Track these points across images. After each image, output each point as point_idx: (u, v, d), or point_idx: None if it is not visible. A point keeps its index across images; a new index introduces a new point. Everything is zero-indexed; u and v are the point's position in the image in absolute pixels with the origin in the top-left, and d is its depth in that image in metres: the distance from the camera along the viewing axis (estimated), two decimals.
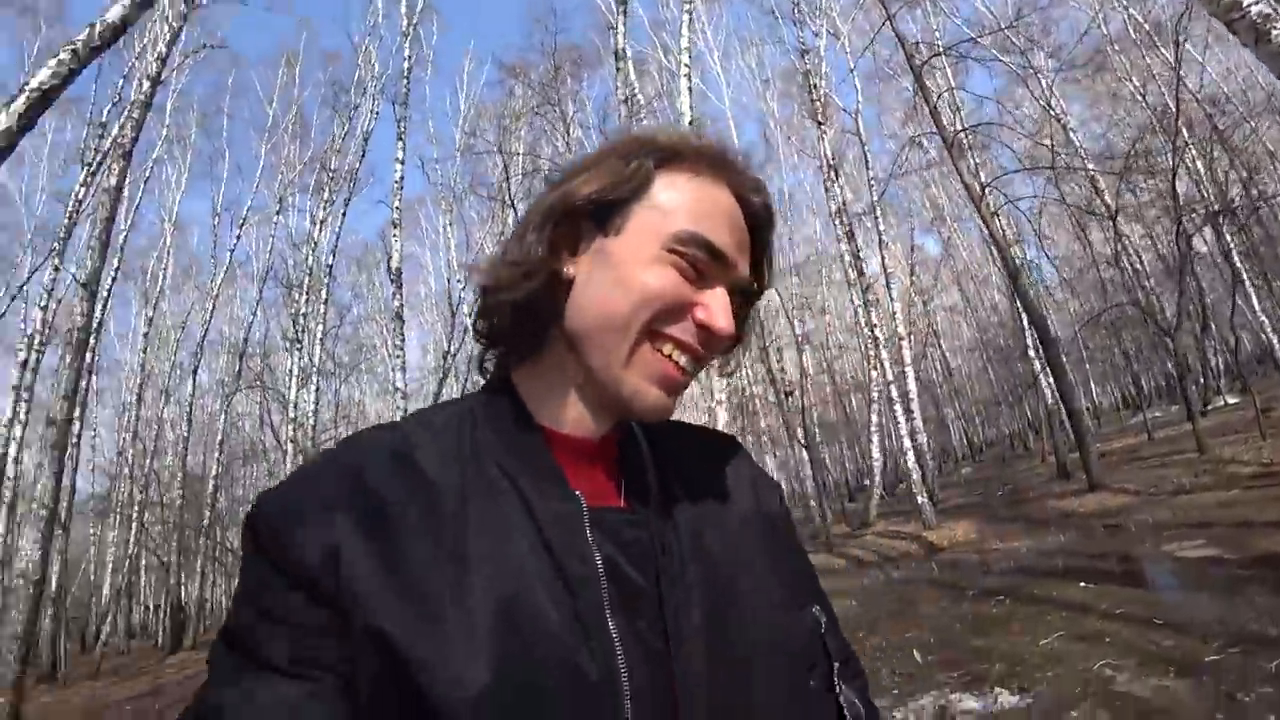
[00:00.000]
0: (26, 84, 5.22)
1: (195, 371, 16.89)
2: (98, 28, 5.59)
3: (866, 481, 16.71)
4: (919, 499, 10.60)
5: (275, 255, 16.87)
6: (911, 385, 11.06)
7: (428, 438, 0.53)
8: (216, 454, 15.80)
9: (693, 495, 0.58)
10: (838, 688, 0.58)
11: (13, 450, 10.50)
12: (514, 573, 0.47)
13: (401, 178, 12.00)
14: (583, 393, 0.55)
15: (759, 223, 0.58)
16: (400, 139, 12.20)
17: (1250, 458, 8.62)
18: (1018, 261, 9.85)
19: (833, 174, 11.63)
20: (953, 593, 6.35)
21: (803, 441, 13.69)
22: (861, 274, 12.01)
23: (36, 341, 10.56)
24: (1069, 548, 7.10)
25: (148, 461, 16.84)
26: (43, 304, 11.02)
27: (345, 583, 0.45)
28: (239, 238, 17.51)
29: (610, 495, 0.55)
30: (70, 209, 11.59)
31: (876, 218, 12.17)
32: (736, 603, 0.54)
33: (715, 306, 0.53)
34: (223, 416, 16.08)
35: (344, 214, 15.62)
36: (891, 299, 12.34)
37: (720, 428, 8.10)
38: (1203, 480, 8.34)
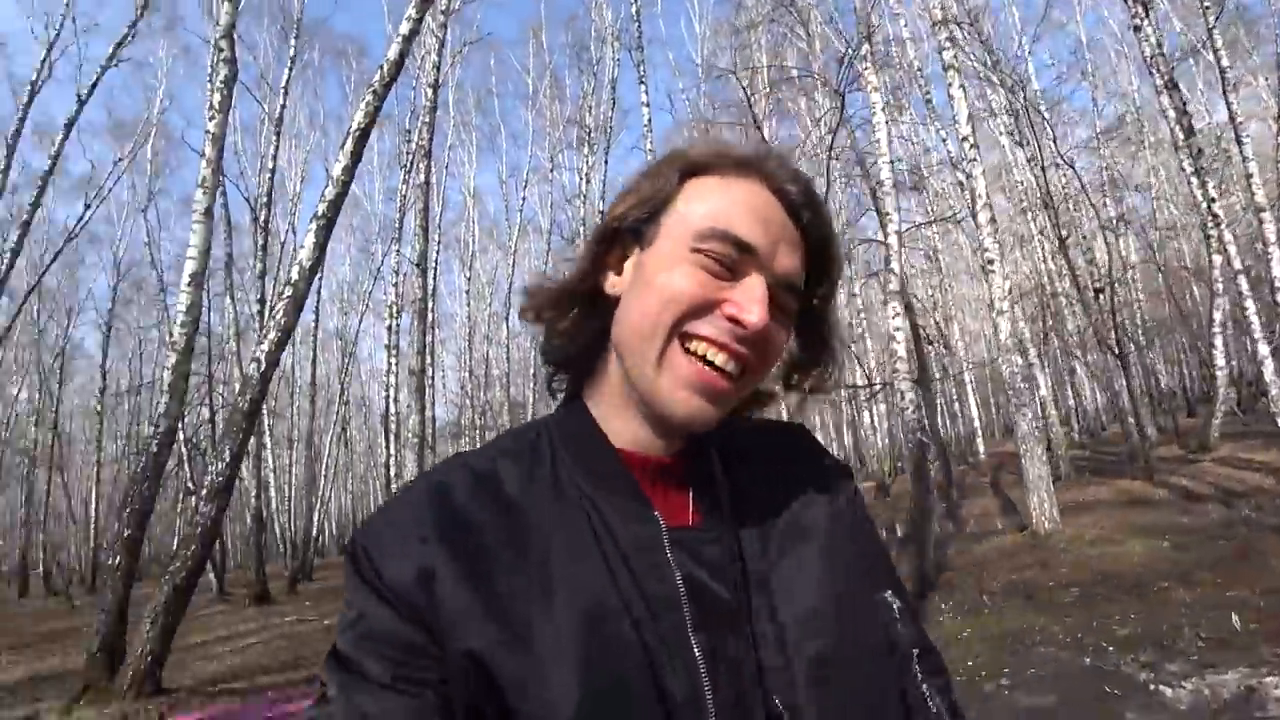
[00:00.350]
0: (349, 127, 6.82)
1: (507, 317, 20.70)
2: (385, 67, 6.97)
3: (1210, 393, 13.31)
4: None
5: (555, 210, 19.52)
6: (1276, 270, 8.35)
7: (509, 461, 0.55)
8: (531, 384, 18.86)
9: (766, 501, 0.57)
10: (916, 677, 0.55)
11: (391, 393, 14.16)
12: (597, 594, 0.48)
13: (649, 120, 12.57)
14: (641, 410, 0.55)
15: (801, 211, 0.55)
16: (641, 82, 12.67)
17: None
18: None
19: (1141, 9, 8.97)
20: None
21: (1115, 350, 11.39)
22: (1191, 133, 9.27)
23: (394, 310, 13.84)
24: None
25: (481, 393, 21.02)
26: (393, 281, 14.34)
27: (439, 604, 0.47)
28: (524, 199, 20.73)
29: (684, 512, 0.55)
30: (398, 204, 14.71)
31: (1217, 52, 9.12)
32: (818, 607, 0.53)
33: (743, 298, 0.51)
34: (533, 354, 19.21)
35: (605, 163, 17.17)
36: (1245, 158, 9.30)
37: (1003, 337, 7.46)
38: None
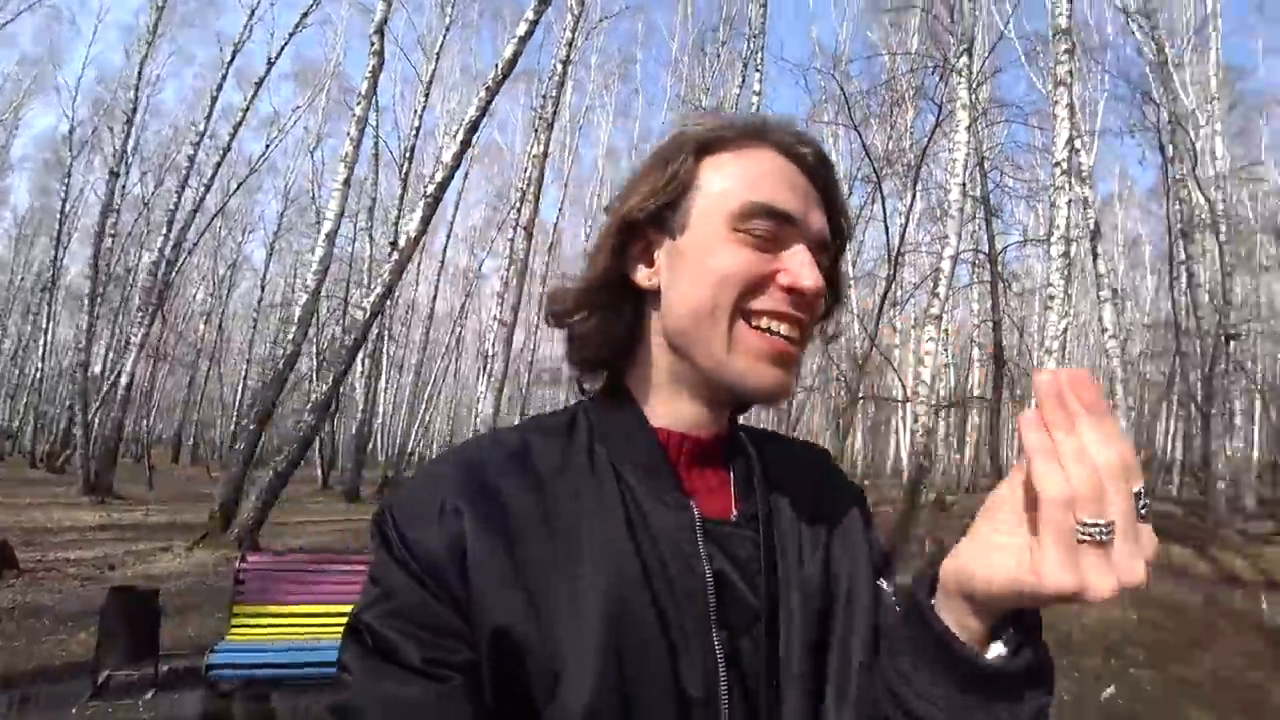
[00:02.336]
0: (462, 118, 7.96)
1: None
2: (500, 65, 8.03)
3: None
4: None
5: None
6: None
7: (543, 437, 0.55)
8: None
9: (796, 512, 0.58)
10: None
11: (491, 336, 16.00)
12: (625, 576, 0.48)
13: (758, 91, 12.37)
14: (695, 390, 0.55)
15: (817, 172, 0.56)
16: (755, 68, 12.61)
17: None
18: None
19: None
20: None
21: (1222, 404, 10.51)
22: None
23: (510, 258, 15.62)
24: None
25: None
26: (509, 236, 15.99)
27: (470, 577, 0.46)
28: None
29: (722, 501, 0.56)
30: (525, 166, 16.30)
31: None
32: (835, 627, 0.54)
33: (796, 266, 0.52)
34: None
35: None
36: None
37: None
38: None
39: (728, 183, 0.54)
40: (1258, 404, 17.59)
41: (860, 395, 11.10)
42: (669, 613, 0.48)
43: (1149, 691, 4.25)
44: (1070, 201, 7.31)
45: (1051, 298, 7.12)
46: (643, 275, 0.57)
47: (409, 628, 0.45)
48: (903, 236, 10.59)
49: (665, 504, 0.52)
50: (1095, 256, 12.80)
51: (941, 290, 7.81)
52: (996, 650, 0.43)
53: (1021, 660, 0.42)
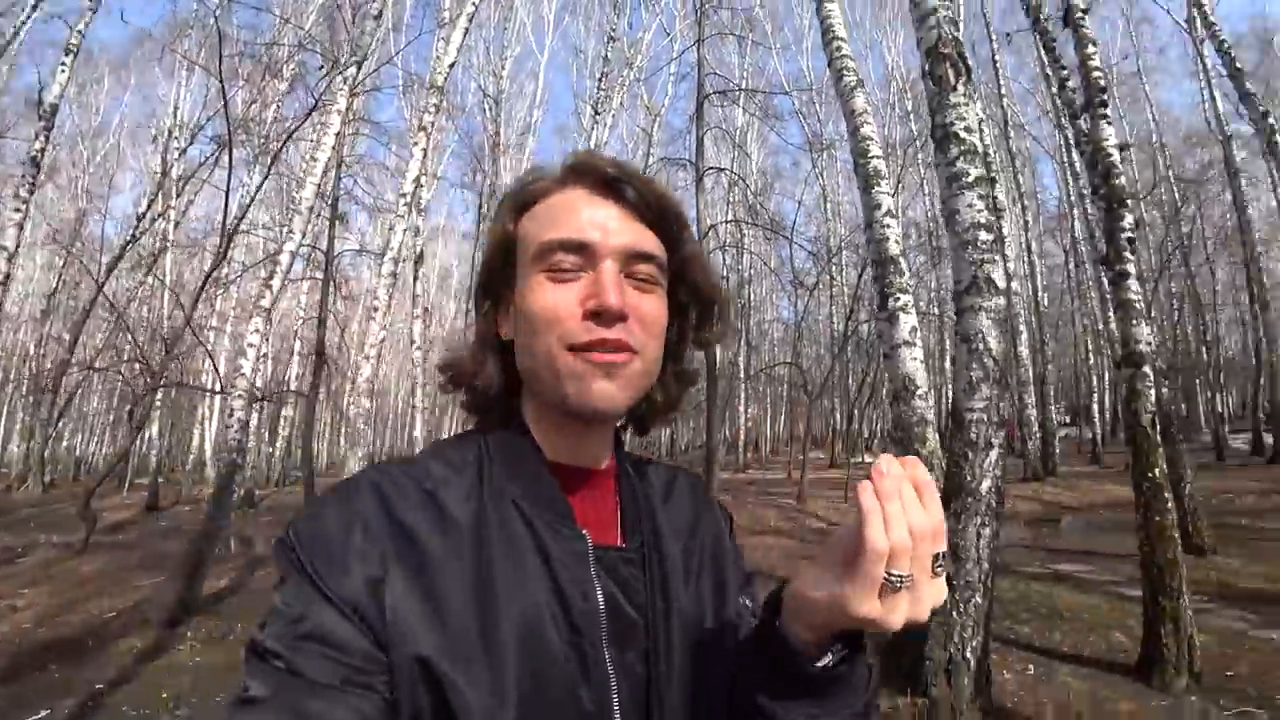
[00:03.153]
0: None
1: None
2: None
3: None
4: None
5: None
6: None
7: (451, 474, 0.57)
8: None
9: (671, 531, 0.63)
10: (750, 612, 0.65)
11: None
12: (531, 608, 0.51)
13: None
14: (561, 421, 0.59)
15: (623, 189, 0.58)
16: None
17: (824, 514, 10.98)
18: None
19: None
20: None
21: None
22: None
23: None
24: None
25: None
26: None
27: (390, 613, 0.48)
28: None
29: (609, 528, 0.60)
30: None
31: None
32: (704, 631, 0.59)
33: (595, 289, 0.55)
34: None
35: None
36: None
37: None
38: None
39: (531, 229, 0.59)
40: None
41: (164, 381, 9.49)
42: (568, 638, 0.52)
43: None
44: (406, 229, 8.30)
45: (375, 308, 7.74)
46: (504, 330, 0.62)
47: (326, 651, 0.46)
48: (244, 215, 9.69)
49: (563, 535, 0.55)
50: (415, 278, 14.91)
51: (276, 282, 7.41)
52: (825, 660, 0.50)
53: (845, 667, 0.50)
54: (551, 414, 0.59)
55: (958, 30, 3.82)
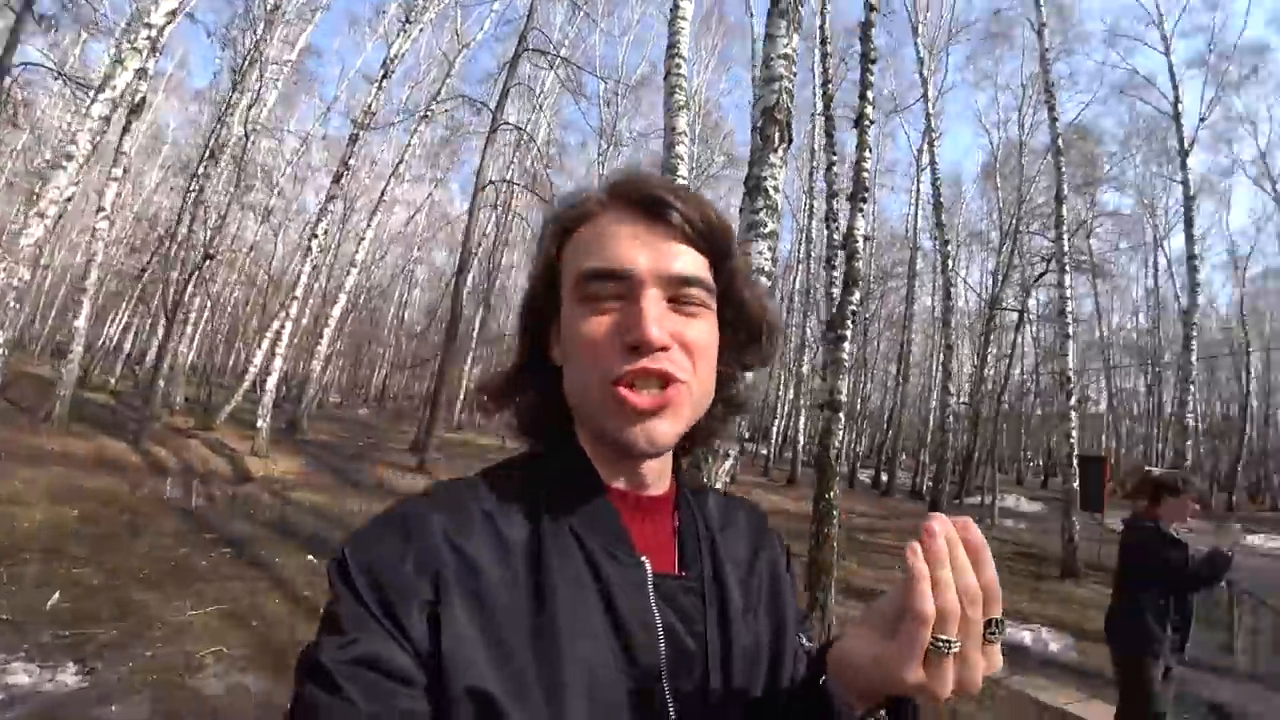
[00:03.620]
0: None
1: None
2: None
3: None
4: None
5: None
6: None
7: (508, 500, 0.56)
8: None
9: (734, 568, 0.61)
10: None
11: None
12: (591, 639, 0.50)
13: None
14: (611, 450, 0.57)
15: (668, 211, 0.56)
16: None
17: None
18: None
19: None
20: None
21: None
22: None
23: None
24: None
25: None
26: None
27: (449, 642, 0.47)
28: None
29: (668, 555, 0.59)
30: None
31: None
32: (761, 667, 0.58)
33: (632, 322, 0.53)
34: None
35: None
36: None
37: None
38: None
39: (574, 256, 0.57)
40: (205, 315, 20.34)
41: None
42: (628, 669, 0.51)
43: (96, 585, 4.24)
44: (138, 69, 6.63)
45: (70, 156, 6.14)
46: (557, 354, 0.60)
47: (374, 676, 0.45)
48: None
49: (621, 562, 0.54)
50: (126, 131, 11.80)
51: None
52: None
53: None
54: (599, 440, 0.57)
55: (792, 100, 4.42)
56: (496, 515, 0.54)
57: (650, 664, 0.51)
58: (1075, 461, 9.45)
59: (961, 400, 20.19)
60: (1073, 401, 9.73)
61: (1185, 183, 12.98)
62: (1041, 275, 14.88)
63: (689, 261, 0.56)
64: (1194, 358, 11.97)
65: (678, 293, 0.55)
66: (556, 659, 0.48)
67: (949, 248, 12.15)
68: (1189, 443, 11.67)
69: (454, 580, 0.49)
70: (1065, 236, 9.95)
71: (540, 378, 0.61)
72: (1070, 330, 9.73)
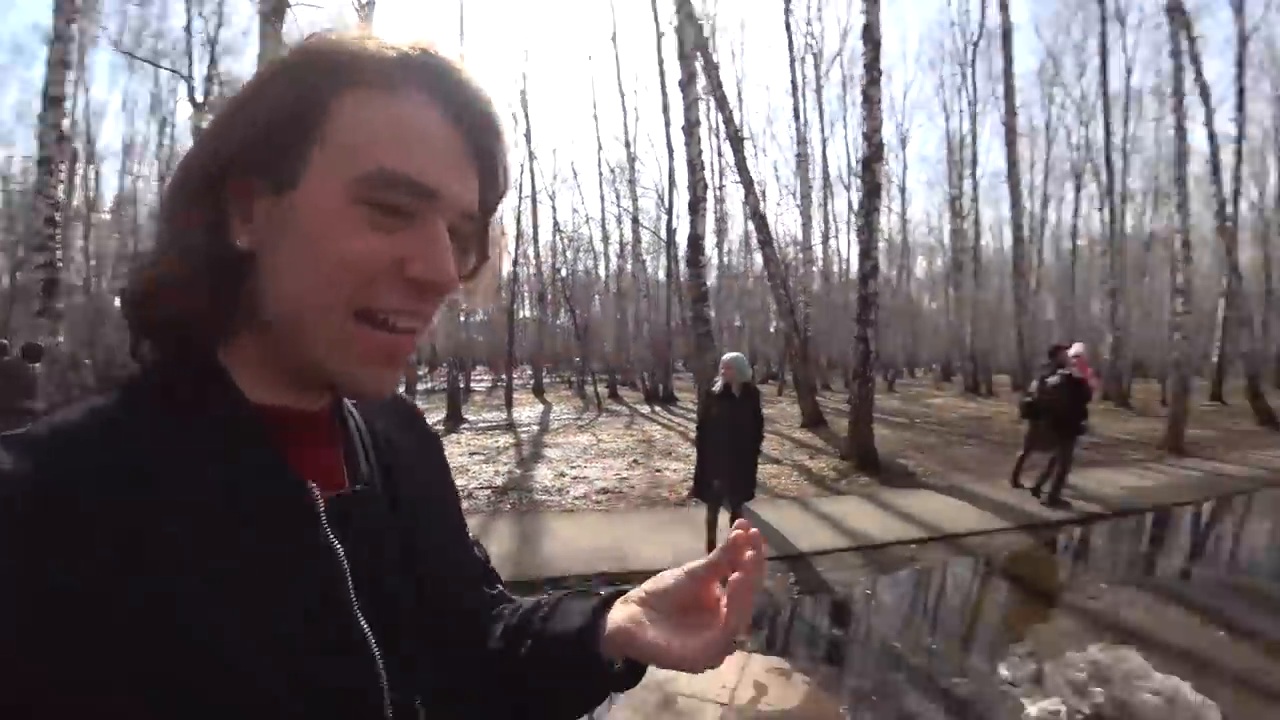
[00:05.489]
0: None
1: None
2: None
3: None
4: None
5: None
6: None
7: (121, 447, 0.40)
8: None
9: (398, 466, 0.56)
10: (496, 591, 0.66)
11: None
12: (264, 595, 0.40)
13: None
14: (295, 375, 0.46)
15: (483, 134, 0.46)
16: None
17: None
18: None
19: None
20: None
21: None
22: None
23: None
24: None
25: None
26: None
27: (72, 621, 0.34)
28: None
29: (336, 472, 0.50)
30: None
31: None
32: (444, 564, 0.55)
33: (429, 254, 0.43)
34: None
35: None
36: None
37: None
38: None
39: (364, 136, 0.42)
40: None
41: None
42: (310, 603, 0.43)
43: None
44: None
45: None
46: (237, 232, 0.44)
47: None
48: None
49: (278, 492, 0.44)
50: None
51: None
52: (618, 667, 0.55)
53: (630, 677, 0.56)
54: (283, 362, 0.46)
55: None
56: (121, 458, 0.39)
57: (337, 593, 0.44)
58: None
59: None
60: None
61: None
62: None
63: (475, 193, 0.47)
64: None
65: (457, 227, 0.46)
66: (224, 630, 0.38)
67: None
68: None
69: (103, 538, 0.36)
70: None
71: (204, 259, 0.44)
72: None
